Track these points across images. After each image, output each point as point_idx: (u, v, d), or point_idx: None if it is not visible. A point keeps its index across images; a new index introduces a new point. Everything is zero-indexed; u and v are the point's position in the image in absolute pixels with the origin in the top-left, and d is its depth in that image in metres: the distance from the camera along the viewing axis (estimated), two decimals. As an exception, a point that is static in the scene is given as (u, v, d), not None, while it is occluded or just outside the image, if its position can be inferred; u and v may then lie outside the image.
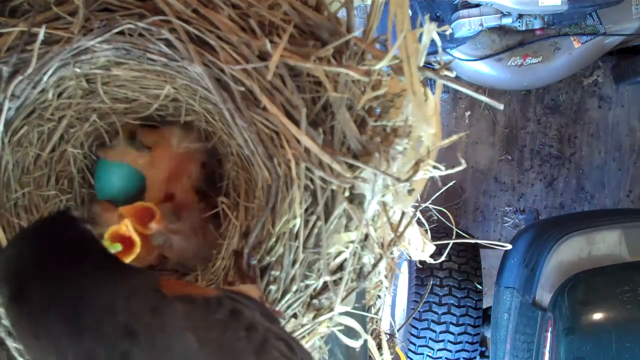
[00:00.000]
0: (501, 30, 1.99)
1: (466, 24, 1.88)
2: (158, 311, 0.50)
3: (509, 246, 1.75)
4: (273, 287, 0.74)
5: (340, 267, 0.75)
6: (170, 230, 0.94)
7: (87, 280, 0.49)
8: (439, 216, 1.12)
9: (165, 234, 0.94)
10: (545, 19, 1.91)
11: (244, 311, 0.55)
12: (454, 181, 2.21)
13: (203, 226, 0.99)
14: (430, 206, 1.03)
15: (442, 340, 2.00)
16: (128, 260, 0.85)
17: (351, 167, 0.69)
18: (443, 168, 0.71)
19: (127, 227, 0.85)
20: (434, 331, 1.99)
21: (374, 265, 0.76)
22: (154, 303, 0.50)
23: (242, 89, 0.71)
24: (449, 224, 1.06)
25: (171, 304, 0.51)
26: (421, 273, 2.03)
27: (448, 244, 1.04)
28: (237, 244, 0.84)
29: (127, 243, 0.86)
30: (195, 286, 0.84)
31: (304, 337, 0.77)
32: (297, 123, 0.69)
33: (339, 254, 0.74)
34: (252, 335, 0.53)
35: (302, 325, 0.75)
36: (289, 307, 0.75)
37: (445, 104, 2.58)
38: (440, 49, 0.67)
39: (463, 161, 0.67)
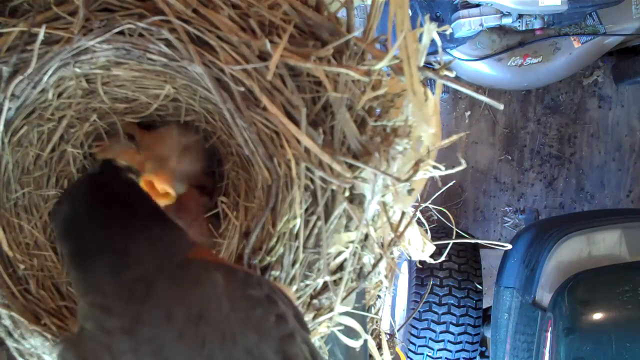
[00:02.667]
0: (501, 30, 1.99)
1: (466, 24, 1.88)
2: (197, 275, 0.53)
3: (509, 246, 1.76)
4: (273, 287, 0.74)
5: (340, 267, 0.75)
6: None
7: (134, 234, 0.54)
8: (439, 216, 1.12)
9: None
10: (545, 19, 1.91)
11: (278, 302, 0.56)
12: (454, 181, 2.21)
13: (201, 223, 0.99)
14: (430, 206, 1.03)
15: (442, 340, 2.00)
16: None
17: (351, 167, 0.69)
18: (443, 168, 0.71)
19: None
20: (434, 331, 1.99)
21: (374, 265, 0.76)
22: (193, 267, 0.54)
23: (242, 89, 0.71)
24: (449, 224, 1.06)
25: (212, 271, 0.53)
26: (421, 273, 2.03)
27: (448, 244, 1.04)
28: (237, 244, 0.84)
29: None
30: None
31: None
32: (297, 123, 0.69)
33: (339, 254, 0.74)
34: (280, 324, 0.54)
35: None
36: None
37: (445, 104, 2.58)
38: (440, 49, 0.67)
39: (463, 161, 0.67)
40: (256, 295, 0.54)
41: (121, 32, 0.74)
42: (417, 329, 2.00)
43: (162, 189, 0.90)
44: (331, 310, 0.74)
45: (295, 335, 0.54)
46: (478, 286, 2.00)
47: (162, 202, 0.91)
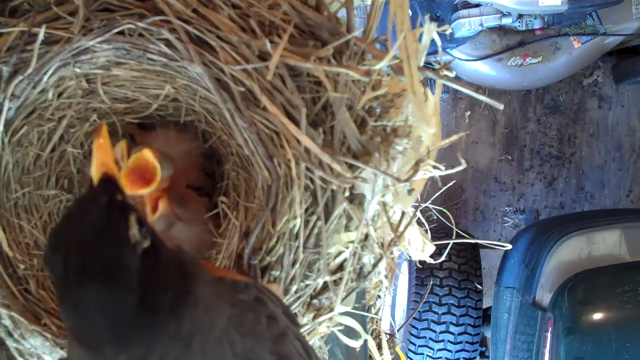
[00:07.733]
0: (501, 30, 1.99)
1: (466, 24, 1.89)
2: (193, 291, 0.50)
3: (509, 246, 1.76)
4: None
5: (340, 267, 0.75)
6: (176, 215, 0.93)
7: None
8: (439, 216, 1.12)
9: (170, 218, 0.93)
10: (545, 19, 1.91)
11: (267, 303, 0.57)
12: (454, 181, 2.21)
13: (204, 222, 0.99)
14: (430, 206, 1.03)
15: (442, 340, 2.00)
16: (150, 189, 0.84)
17: (351, 167, 0.69)
18: (443, 168, 0.71)
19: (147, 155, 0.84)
20: (434, 331, 1.99)
21: (374, 265, 0.76)
22: (188, 284, 0.50)
23: (242, 89, 0.71)
24: (449, 224, 1.06)
25: (203, 282, 0.52)
26: (421, 273, 2.03)
27: (448, 244, 1.04)
28: (237, 244, 0.84)
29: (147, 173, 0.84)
30: (227, 271, 0.85)
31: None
32: (297, 123, 0.69)
33: (339, 254, 0.74)
34: (272, 324, 0.55)
35: (302, 325, 0.75)
36: (289, 307, 0.75)
37: (445, 104, 2.58)
38: (440, 49, 0.67)
39: (463, 161, 0.67)
40: (246, 300, 0.55)
41: (121, 32, 0.74)
42: (417, 329, 2.00)
43: (147, 159, 0.86)
44: (331, 310, 0.75)
45: (287, 333, 0.55)
46: (478, 286, 2.00)
47: (148, 187, 0.87)
